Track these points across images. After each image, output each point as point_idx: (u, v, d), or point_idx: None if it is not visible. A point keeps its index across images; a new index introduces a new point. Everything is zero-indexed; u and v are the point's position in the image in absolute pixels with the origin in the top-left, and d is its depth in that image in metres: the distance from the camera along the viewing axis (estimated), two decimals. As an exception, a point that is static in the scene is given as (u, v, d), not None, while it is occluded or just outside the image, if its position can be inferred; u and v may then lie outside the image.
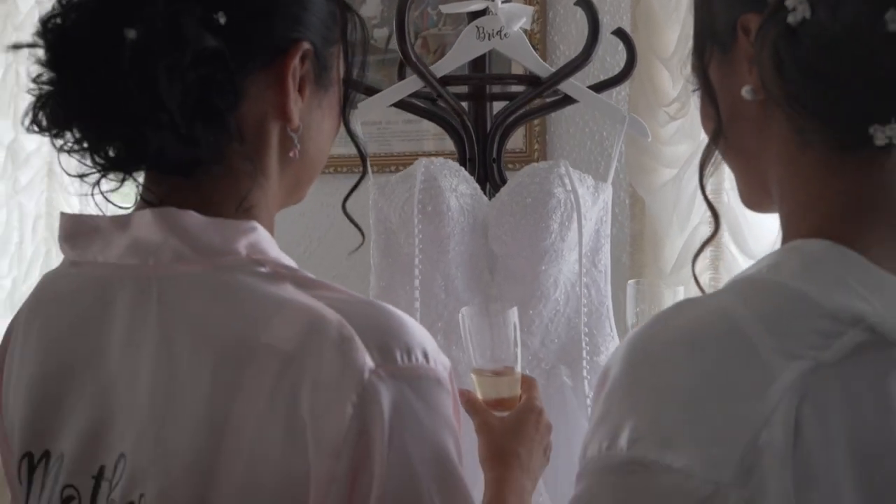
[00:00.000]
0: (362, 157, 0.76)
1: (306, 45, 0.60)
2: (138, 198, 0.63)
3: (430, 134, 1.77)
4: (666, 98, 1.31)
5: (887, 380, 0.48)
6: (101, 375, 0.60)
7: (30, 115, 0.57)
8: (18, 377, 0.66)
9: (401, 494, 0.52)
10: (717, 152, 0.62)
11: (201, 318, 0.56)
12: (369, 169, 0.88)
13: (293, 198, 0.69)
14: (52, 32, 0.56)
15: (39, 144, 2.33)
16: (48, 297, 0.65)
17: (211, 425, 0.54)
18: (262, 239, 0.60)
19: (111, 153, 0.58)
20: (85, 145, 0.57)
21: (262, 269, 0.57)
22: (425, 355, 0.55)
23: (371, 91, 1.13)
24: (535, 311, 1.10)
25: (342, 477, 0.51)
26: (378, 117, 1.70)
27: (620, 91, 1.39)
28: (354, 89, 0.69)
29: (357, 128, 0.76)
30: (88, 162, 0.59)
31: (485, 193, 1.13)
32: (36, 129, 0.58)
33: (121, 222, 0.60)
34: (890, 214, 0.54)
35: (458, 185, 1.08)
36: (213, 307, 0.56)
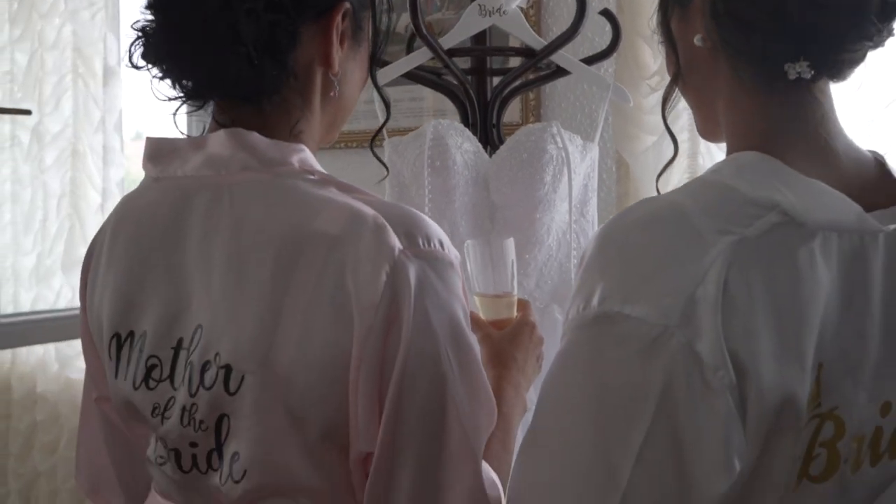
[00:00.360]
0: (385, 102, 0.91)
1: (347, 5, 0.75)
2: (206, 126, 0.77)
3: (432, 110, 1.92)
4: (648, 71, 1.45)
5: (796, 250, 0.62)
6: (179, 266, 0.74)
7: (131, 51, 0.72)
8: (105, 278, 0.80)
9: (422, 347, 0.66)
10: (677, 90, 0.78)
11: (265, 213, 0.70)
12: (384, 128, 1.03)
13: (329, 135, 0.84)
14: None
15: (63, 127, 2.46)
16: (133, 208, 0.79)
17: (273, 296, 0.68)
18: (310, 157, 0.74)
19: (190, 84, 0.73)
20: (171, 76, 0.72)
21: (312, 177, 0.72)
22: (441, 244, 0.70)
23: (385, 64, 1.27)
24: (530, 255, 1.24)
25: (378, 329, 0.65)
26: (401, 94, 1.86)
27: (608, 67, 1.53)
28: (379, 49, 0.84)
29: (373, 92, 0.92)
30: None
31: (487, 152, 1.27)
32: (130, 64, 0.73)
33: (197, 143, 0.74)
34: (804, 133, 0.69)
35: (463, 143, 1.22)
36: (275, 205, 0.70)
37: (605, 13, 1.31)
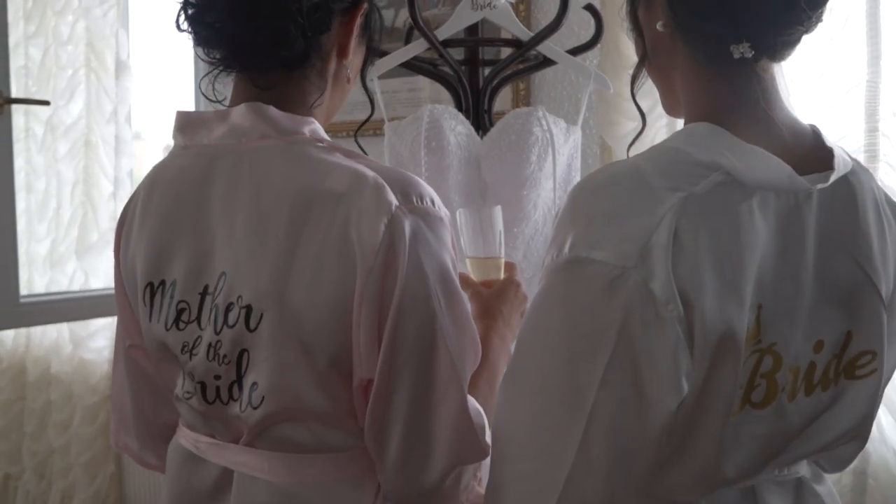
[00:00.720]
0: (369, 97, 1.03)
1: (367, 6, 0.87)
2: (228, 101, 0.88)
3: (429, 101, 2.03)
4: (629, 62, 1.56)
5: (737, 206, 0.73)
6: (205, 222, 0.85)
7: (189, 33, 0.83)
8: (139, 235, 0.91)
9: (415, 288, 0.77)
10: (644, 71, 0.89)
11: (281, 175, 0.81)
12: (382, 113, 1.14)
13: (329, 118, 0.95)
14: None
15: (77, 119, 2.55)
16: (164, 173, 0.90)
17: (288, 246, 0.79)
18: (319, 128, 0.86)
19: (224, 53, 0.83)
20: (207, 45, 0.83)
21: (321, 144, 0.83)
22: (433, 202, 0.81)
23: (385, 55, 1.38)
24: (518, 229, 1.34)
25: (377, 271, 0.76)
26: (386, 87, 1.97)
27: (592, 58, 1.64)
28: (374, 49, 0.96)
29: (373, 84, 1.04)
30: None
31: (479, 135, 1.38)
32: (177, 27, 0.83)
33: (221, 115, 0.85)
34: (748, 105, 0.80)
35: (457, 126, 1.32)
36: (289, 167, 0.81)
37: (589, 7, 1.42)
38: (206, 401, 0.86)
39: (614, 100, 1.58)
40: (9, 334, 2.83)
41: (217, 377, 0.84)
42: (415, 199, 0.79)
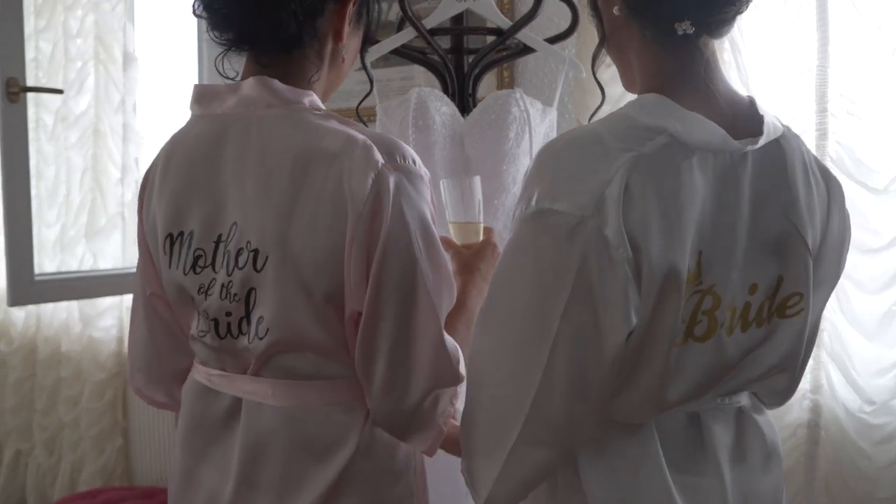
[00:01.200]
0: (370, 77, 1.16)
1: None
2: (239, 76, 1.01)
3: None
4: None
5: (679, 164, 0.85)
6: (217, 181, 0.97)
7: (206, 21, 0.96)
8: (160, 194, 1.03)
9: (398, 233, 0.90)
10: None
11: (284, 138, 0.94)
12: (375, 100, 1.27)
13: (328, 94, 1.07)
14: None
15: (86, 108, 2.68)
16: (182, 140, 1.03)
17: (289, 198, 0.92)
18: (316, 99, 0.98)
19: (232, 35, 0.96)
20: (219, 28, 0.96)
21: (318, 112, 0.96)
22: (414, 162, 0.94)
23: (377, 43, 1.51)
24: (498, 201, 1.47)
25: (365, 218, 0.89)
26: (381, 76, 2.10)
27: (570, 47, 1.77)
28: (371, 33, 1.09)
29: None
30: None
31: (462, 116, 1.51)
32: (193, 13, 0.96)
33: (232, 87, 0.98)
34: (690, 78, 0.91)
35: (442, 106, 1.45)
36: (291, 132, 0.94)
37: (566, 0, 1.55)
38: (218, 336, 0.99)
39: (588, 84, 1.70)
40: (20, 315, 2.96)
41: (228, 314, 0.97)
42: (398, 159, 0.92)
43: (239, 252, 0.95)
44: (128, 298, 2.71)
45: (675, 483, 0.90)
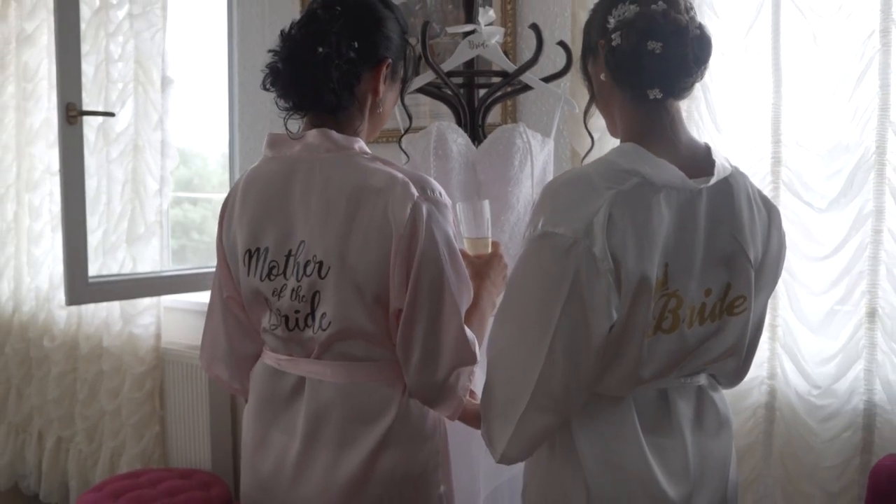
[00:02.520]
0: (409, 115, 1.43)
1: (389, 61, 1.26)
2: (301, 127, 1.28)
3: (428, 111, 2.43)
4: (593, 87, 1.98)
5: (650, 199, 1.09)
6: (288, 208, 1.24)
7: (270, 88, 1.23)
8: (240, 218, 1.30)
9: (430, 250, 1.16)
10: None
11: (340, 176, 1.21)
12: (399, 125, 1.56)
13: (372, 135, 1.34)
14: (285, 43, 1.21)
15: (127, 126, 2.90)
16: (258, 175, 1.30)
17: (346, 222, 1.18)
18: (364, 145, 1.25)
19: (292, 103, 1.24)
20: (284, 97, 1.23)
21: (366, 156, 1.23)
22: (441, 194, 1.21)
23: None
24: (505, 217, 1.74)
25: (406, 238, 1.15)
26: (408, 101, 2.38)
27: (565, 83, 2.04)
28: (407, 84, 1.36)
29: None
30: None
31: (474, 145, 1.78)
32: (262, 87, 1.23)
33: (298, 137, 1.25)
34: (659, 131, 1.15)
35: (458, 138, 1.72)
36: (346, 171, 1.21)
37: (561, 44, 1.81)
38: (287, 329, 1.27)
39: (580, 117, 1.98)
40: (62, 315, 3.20)
41: (297, 311, 1.25)
42: (429, 192, 1.20)
43: (307, 263, 1.22)
44: (165, 298, 2.97)
45: (647, 443, 1.16)
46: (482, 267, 1.43)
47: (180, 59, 2.98)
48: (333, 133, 1.23)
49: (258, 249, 1.28)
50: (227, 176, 3.06)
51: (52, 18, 3.11)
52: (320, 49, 1.19)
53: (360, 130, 1.28)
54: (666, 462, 1.16)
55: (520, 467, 1.51)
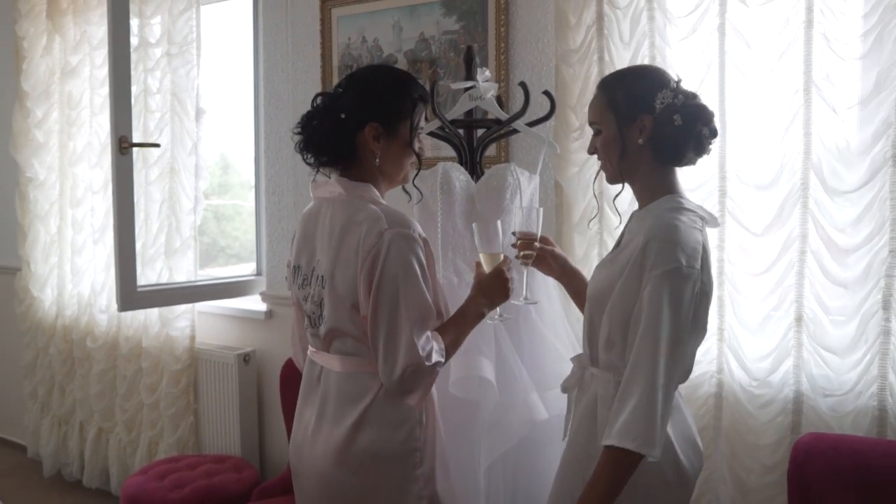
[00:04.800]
0: (419, 162, 1.80)
1: (374, 124, 1.59)
2: (330, 175, 1.66)
3: (429, 144, 2.80)
4: (572, 128, 2.33)
5: (705, 229, 1.51)
6: (314, 237, 1.63)
7: (299, 149, 1.62)
8: (291, 244, 1.70)
9: (387, 272, 1.50)
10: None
11: (341, 213, 1.58)
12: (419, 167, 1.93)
13: (391, 184, 1.70)
14: (303, 116, 1.60)
15: (164, 151, 3.25)
16: (304, 212, 1.69)
17: (337, 248, 1.56)
18: (369, 190, 1.61)
19: (315, 162, 1.62)
20: (308, 157, 1.62)
21: (366, 198, 1.59)
22: (412, 230, 1.55)
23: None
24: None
25: (370, 260, 1.51)
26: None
27: (550, 125, 2.41)
28: (414, 142, 1.71)
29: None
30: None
31: (473, 180, 2.15)
32: (298, 151, 1.63)
33: (330, 183, 1.63)
34: (678, 183, 1.56)
35: (460, 175, 2.09)
36: (346, 210, 1.58)
37: (546, 93, 2.18)
38: (311, 326, 1.66)
39: (563, 154, 2.36)
40: (103, 318, 3.57)
41: (314, 313, 1.64)
42: (398, 227, 1.53)
43: (320, 277, 1.61)
44: (199, 304, 3.33)
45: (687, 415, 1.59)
46: (484, 277, 1.74)
47: (212, 92, 3.34)
48: (347, 181, 1.61)
49: (298, 266, 1.69)
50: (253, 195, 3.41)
51: (94, 54, 3.50)
52: (315, 122, 1.60)
53: (372, 178, 1.63)
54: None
55: (512, 443, 1.89)
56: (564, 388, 1.71)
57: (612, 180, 1.59)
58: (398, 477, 1.58)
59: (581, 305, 1.79)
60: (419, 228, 1.57)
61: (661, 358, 1.39)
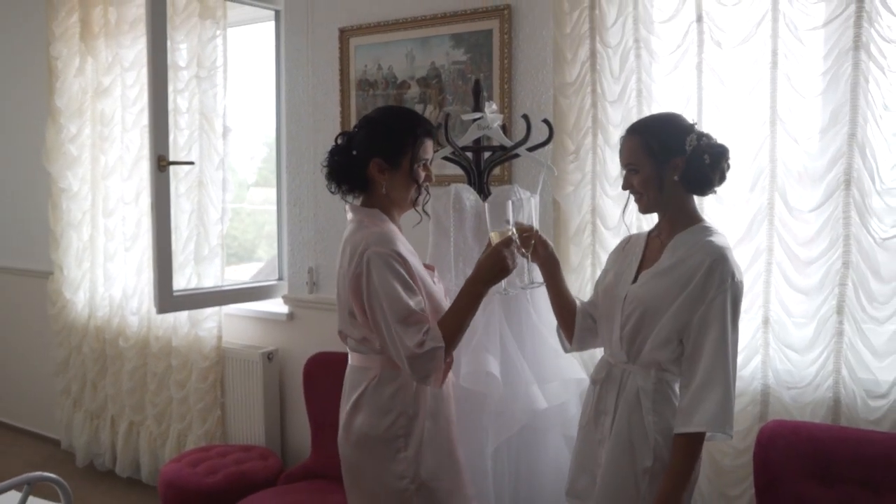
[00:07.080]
0: (426, 187, 2.09)
1: (377, 159, 1.89)
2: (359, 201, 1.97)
3: (437, 163, 3.08)
4: (568, 152, 2.62)
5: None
6: (341, 252, 1.93)
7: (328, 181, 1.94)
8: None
9: (370, 285, 1.79)
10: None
11: (351, 234, 1.89)
12: (426, 194, 2.23)
13: (402, 209, 2.00)
14: (338, 147, 1.92)
15: (191, 168, 3.54)
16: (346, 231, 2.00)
17: (342, 261, 1.88)
18: (373, 214, 1.91)
19: (337, 190, 1.94)
20: (332, 186, 1.93)
21: (365, 223, 1.89)
22: (387, 246, 1.83)
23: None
24: (503, 252, 2.41)
25: (354, 274, 1.81)
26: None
27: (550, 148, 2.70)
28: (416, 175, 1.99)
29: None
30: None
31: (481, 199, 2.45)
32: (327, 182, 1.94)
33: (353, 207, 1.94)
34: (698, 210, 1.88)
35: (470, 195, 2.39)
36: (355, 231, 1.88)
37: (545, 121, 2.48)
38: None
39: (560, 175, 2.66)
40: (134, 319, 3.85)
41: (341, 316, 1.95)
42: (380, 247, 1.82)
43: (338, 287, 1.92)
44: (226, 307, 3.62)
45: None
46: (483, 257, 1.96)
47: (238, 111, 3.60)
48: (360, 208, 1.93)
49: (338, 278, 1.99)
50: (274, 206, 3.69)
51: (125, 75, 3.78)
52: (335, 158, 1.92)
53: (379, 206, 1.92)
54: None
55: (515, 429, 2.19)
56: (594, 381, 1.97)
57: (647, 210, 1.89)
58: (382, 457, 1.88)
59: (554, 288, 2.06)
60: (398, 246, 1.84)
61: (730, 357, 1.71)
